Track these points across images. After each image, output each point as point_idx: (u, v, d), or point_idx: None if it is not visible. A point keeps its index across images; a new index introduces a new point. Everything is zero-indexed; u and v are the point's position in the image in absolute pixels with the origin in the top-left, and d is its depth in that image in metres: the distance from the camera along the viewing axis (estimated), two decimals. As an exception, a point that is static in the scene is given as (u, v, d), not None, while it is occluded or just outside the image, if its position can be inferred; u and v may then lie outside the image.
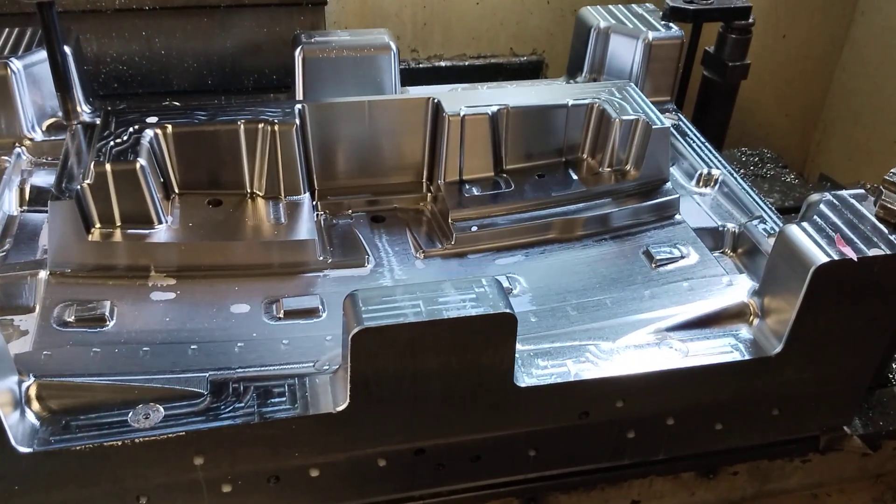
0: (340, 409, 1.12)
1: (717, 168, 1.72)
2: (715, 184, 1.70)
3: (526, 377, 1.20)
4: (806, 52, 2.64)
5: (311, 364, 1.22)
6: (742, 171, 2.22)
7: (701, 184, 1.71)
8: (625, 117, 1.57)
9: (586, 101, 1.60)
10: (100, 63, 2.04)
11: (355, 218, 1.57)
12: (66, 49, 1.64)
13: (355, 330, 1.06)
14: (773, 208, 1.62)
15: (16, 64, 1.59)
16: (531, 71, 2.59)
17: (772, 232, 1.53)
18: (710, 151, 1.78)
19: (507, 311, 1.10)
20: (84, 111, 1.71)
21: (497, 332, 1.11)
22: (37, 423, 1.08)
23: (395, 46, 1.79)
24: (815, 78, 2.69)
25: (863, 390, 1.40)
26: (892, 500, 1.58)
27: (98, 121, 1.46)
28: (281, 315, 1.32)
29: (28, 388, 1.10)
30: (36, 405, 1.10)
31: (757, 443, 1.42)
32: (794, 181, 2.24)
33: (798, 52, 2.64)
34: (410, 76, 2.27)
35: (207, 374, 1.17)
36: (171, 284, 1.35)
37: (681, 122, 1.89)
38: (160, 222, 1.38)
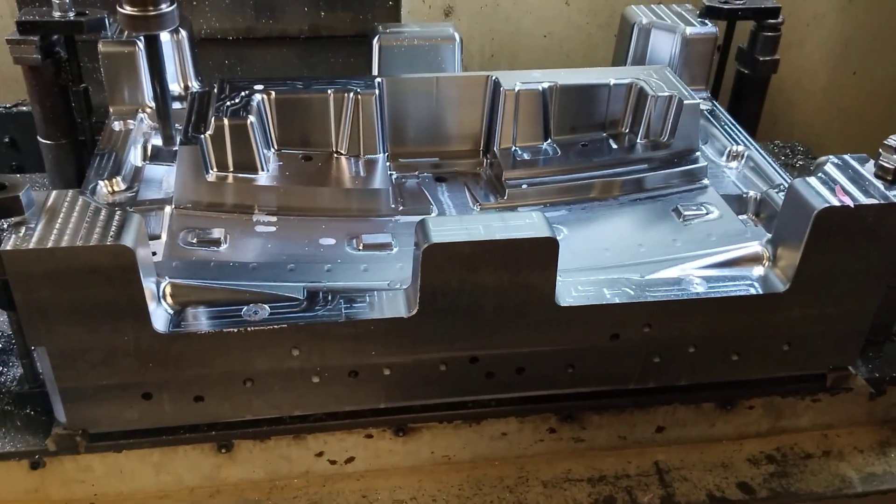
0: (410, 314, 1.36)
1: (744, 145, 1.93)
2: (742, 158, 1.91)
3: (566, 297, 1.42)
4: (877, 89, 2.77)
5: (386, 283, 1.47)
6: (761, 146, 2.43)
7: (729, 159, 1.92)
8: (660, 94, 1.79)
9: (627, 81, 1.84)
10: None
11: (421, 178, 1.83)
12: (183, 33, 1.95)
13: (425, 245, 1.30)
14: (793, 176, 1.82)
15: (142, 42, 1.89)
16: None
17: (790, 198, 1.73)
18: (740, 132, 1.99)
19: (551, 235, 1.33)
20: (194, 86, 2.00)
21: (542, 253, 1.34)
22: (171, 312, 1.35)
23: (459, 37, 2.05)
24: (888, 116, 2.81)
25: (864, 332, 1.57)
26: (897, 442, 1.74)
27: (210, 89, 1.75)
28: (361, 247, 1.57)
29: (164, 287, 1.37)
30: (170, 300, 1.37)
31: (770, 376, 1.61)
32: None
33: (869, 88, 2.78)
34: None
35: (303, 285, 1.42)
36: (272, 220, 1.62)
37: (715, 108, 2.10)
38: (263, 170, 1.65)
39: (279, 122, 1.72)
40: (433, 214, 1.70)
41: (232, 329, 1.32)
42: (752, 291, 1.48)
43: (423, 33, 2.05)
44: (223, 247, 1.52)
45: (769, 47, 2.22)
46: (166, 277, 1.38)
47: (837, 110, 3.00)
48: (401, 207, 1.69)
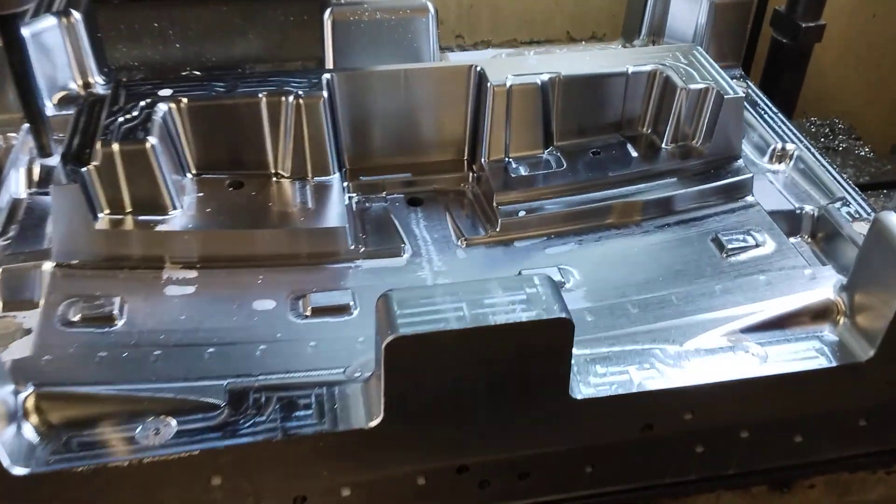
0: (374, 424, 0.99)
1: (792, 142, 1.54)
2: (790, 160, 1.52)
3: (582, 387, 1.05)
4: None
5: (342, 371, 1.09)
6: (812, 143, 2.04)
7: (774, 160, 1.53)
8: (692, 86, 1.39)
9: (648, 68, 1.43)
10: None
11: (390, 200, 1.43)
12: (76, 15, 1.51)
13: (390, 338, 0.92)
14: (857, 188, 1.44)
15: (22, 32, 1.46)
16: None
17: (856, 216, 1.36)
18: (784, 123, 1.60)
19: (564, 315, 0.95)
20: (98, 82, 1.58)
21: (551, 339, 0.97)
22: (35, 439, 0.97)
23: (434, 8, 1.63)
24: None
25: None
26: None
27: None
28: (308, 312, 1.19)
29: (26, 398, 0.99)
30: (34, 418, 0.98)
31: (839, 455, 1.26)
32: (868, 155, 2.04)
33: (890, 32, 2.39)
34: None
35: (225, 383, 1.04)
36: (188, 277, 1.23)
37: (750, 90, 1.70)
38: (174, 208, 1.25)
39: (196, 138, 1.31)
40: (405, 256, 1.31)
41: (121, 462, 0.94)
42: (824, 363, 1.12)
43: (388, 4, 1.62)
44: (118, 323, 1.13)
45: (813, 10, 1.82)
46: (30, 385, 0.99)
47: (855, 58, 2.58)
48: (362, 249, 1.30)
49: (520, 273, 1.27)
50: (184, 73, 1.64)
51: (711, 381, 1.08)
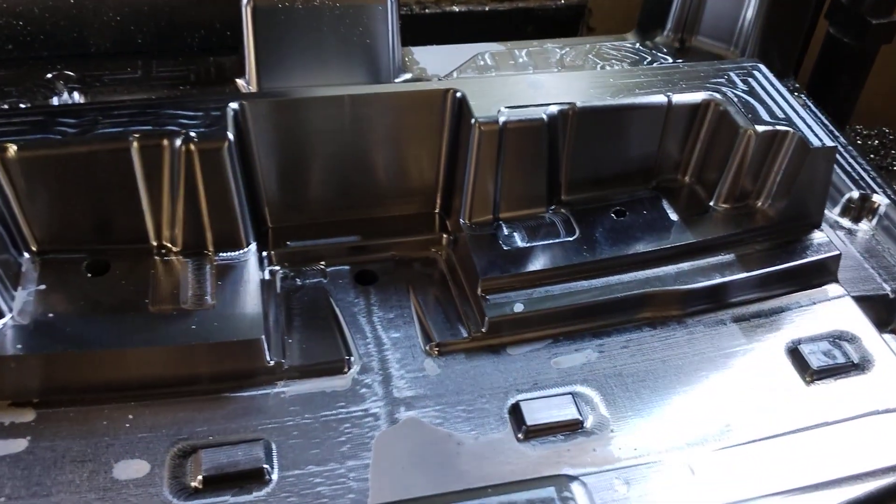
0: None
1: (877, 191, 1.15)
2: (873, 216, 1.13)
3: None
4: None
5: None
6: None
7: (850, 214, 1.14)
8: (761, 128, 0.98)
9: (698, 98, 1.01)
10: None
11: (331, 276, 1.01)
12: None
13: None
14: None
15: None
16: (570, 19, 1.94)
17: (978, 309, 0.98)
18: (862, 163, 1.20)
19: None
20: None
21: None
22: None
23: (395, -9, 1.18)
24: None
25: None
26: None
27: None
28: (198, 483, 0.78)
29: None
30: None
31: None
32: (929, 177, 1.66)
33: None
34: (413, 27, 1.63)
35: None
36: (18, 423, 0.81)
37: (810, 109, 1.30)
38: (3, 314, 0.82)
39: (35, 202, 0.87)
40: (349, 374, 0.90)
41: None
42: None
43: (333, -15, 1.18)
44: None
45: (885, 3, 1.41)
46: None
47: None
48: (287, 364, 0.88)
49: (516, 406, 0.87)
50: (48, 76, 1.18)
51: None
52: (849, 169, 1.20)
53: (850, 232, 1.13)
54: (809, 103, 1.32)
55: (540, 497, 0.73)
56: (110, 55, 1.46)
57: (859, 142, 1.72)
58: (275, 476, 0.80)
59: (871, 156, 1.69)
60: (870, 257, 1.09)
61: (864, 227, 1.13)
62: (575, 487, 0.79)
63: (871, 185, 1.17)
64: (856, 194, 1.15)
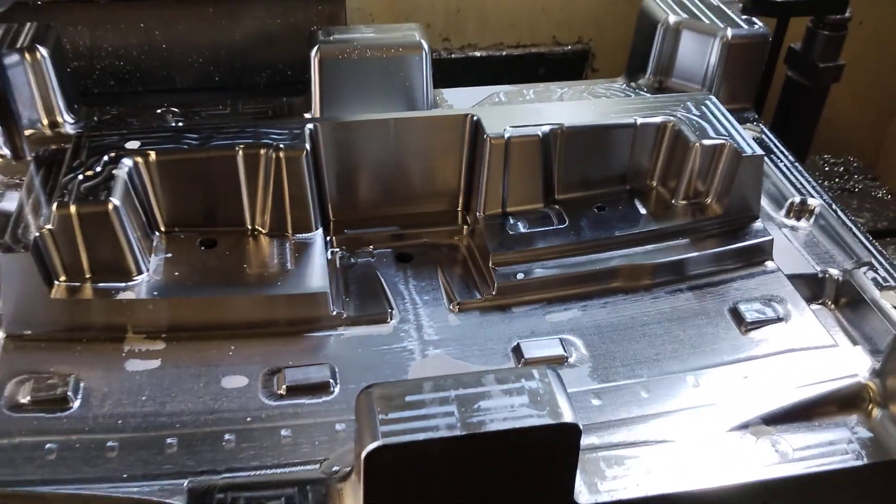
0: (351, 536, 0.88)
1: (814, 196, 1.43)
2: (810, 215, 1.41)
3: (588, 492, 0.94)
4: (886, 38, 2.29)
5: (317, 465, 0.97)
6: (826, 183, 1.93)
7: (791, 214, 1.42)
8: (706, 141, 1.28)
9: (658, 120, 1.32)
10: (94, 58, 1.79)
11: (377, 256, 1.32)
12: (43, 51, 1.40)
13: (371, 447, 0.81)
14: (885, 252, 1.33)
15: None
16: (576, 62, 2.28)
17: (885, 283, 1.25)
18: (802, 173, 1.49)
19: (569, 420, 0.84)
20: (67, 121, 1.47)
21: (556, 445, 0.86)
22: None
23: (427, 45, 1.52)
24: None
25: None
26: None
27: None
28: (283, 391, 1.07)
29: (-41, 504, 0.87)
30: (-34, 528, 0.87)
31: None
32: (886, 197, 1.94)
33: (877, 39, 2.28)
34: (441, 68, 1.97)
35: (186, 482, 0.93)
36: (153, 350, 1.11)
37: (764, 136, 1.60)
38: (139, 272, 1.14)
39: (165, 194, 1.20)
40: (391, 323, 1.19)
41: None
42: (855, 461, 1.01)
43: (379, 40, 1.52)
44: (72, 406, 1.02)
45: (831, 49, 1.71)
46: (-36, 489, 0.88)
47: (871, 97, 2.46)
48: (345, 314, 1.19)
49: (517, 347, 1.16)
50: (158, 111, 1.52)
51: (731, 482, 0.97)
52: (793, 179, 1.48)
53: (792, 228, 1.41)
54: (766, 130, 1.61)
55: (528, 373, 0.96)
56: (192, 90, 1.82)
57: (826, 168, 1.99)
58: (337, 389, 1.10)
59: (836, 179, 1.97)
60: (805, 248, 1.37)
61: (804, 224, 1.41)
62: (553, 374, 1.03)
63: (809, 191, 1.45)
64: (797, 199, 1.43)
